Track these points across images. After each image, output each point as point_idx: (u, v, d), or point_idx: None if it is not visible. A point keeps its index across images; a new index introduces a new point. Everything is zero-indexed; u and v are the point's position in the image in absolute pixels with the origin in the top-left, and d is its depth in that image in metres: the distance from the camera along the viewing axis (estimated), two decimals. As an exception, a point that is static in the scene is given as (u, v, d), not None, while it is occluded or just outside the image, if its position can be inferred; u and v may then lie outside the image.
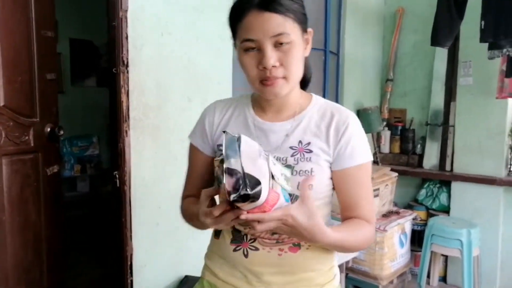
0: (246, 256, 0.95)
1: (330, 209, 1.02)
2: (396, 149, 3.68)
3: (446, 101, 3.35)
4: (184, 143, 2.18)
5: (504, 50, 2.49)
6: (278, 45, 0.86)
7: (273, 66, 0.86)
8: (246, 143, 0.77)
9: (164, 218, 2.11)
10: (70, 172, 4.28)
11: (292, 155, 0.93)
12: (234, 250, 0.96)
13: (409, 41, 3.64)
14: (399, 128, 3.67)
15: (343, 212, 0.98)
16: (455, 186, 3.27)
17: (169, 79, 2.08)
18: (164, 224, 2.12)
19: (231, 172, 0.72)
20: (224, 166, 0.72)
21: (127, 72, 1.90)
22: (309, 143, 0.94)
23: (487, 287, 3.12)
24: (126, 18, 1.87)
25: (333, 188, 0.98)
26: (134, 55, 1.93)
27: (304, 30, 0.91)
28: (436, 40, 2.77)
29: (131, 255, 1.99)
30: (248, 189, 0.70)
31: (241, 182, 0.70)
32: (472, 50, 3.13)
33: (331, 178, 0.96)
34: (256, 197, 0.70)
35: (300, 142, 0.95)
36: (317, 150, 0.93)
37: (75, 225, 3.87)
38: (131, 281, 1.99)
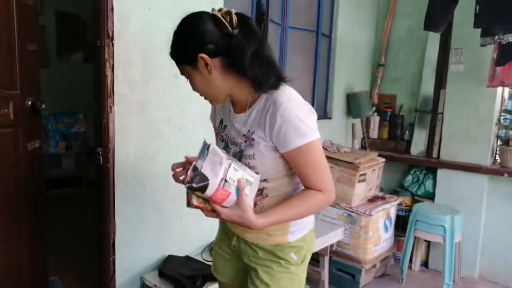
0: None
1: (291, 179, 1.22)
2: (385, 135, 3.68)
3: (436, 88, 3.35)
4: (171, 121, 2.16)
5: (496, 37, 2.47)
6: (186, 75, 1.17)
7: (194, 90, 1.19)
8: (213, 151, 1.06)
9: (149, 197, 2.09)
10: (55, 149, 4.20)
11: (244, 142, 1.18)
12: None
13: (402, 26, 3.60)
14: (388, 114, 3.67)
15: (301, 183, 1.19)
16: (441, 173, 3.30)
17: (156, 54, 2.02)
18: (148, 203, 2.09)
19: (194, 168, 1.03)
20: (193, 163, 1.06)
21: (112, 45, 1.83)
22: (253, 132, 1.16)
23: (468, 273, 3.18)
24: (112, -12, 1.79)
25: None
26: (120, 28, 1.86)
27: (193, 64, 1.12)
28: (429, 25, 2.74)
29: (114, 233, 1.96)
30: (194, 184, 1.02)
31: (195, 177, 1.02)
32: (465, 37, 3.11)
33: (283, 157, 1.16)
34: (201, 190, 1.03)
35: (249, 131, 1.17)
36: (258, 138, 1.15)
37: (60, 203, 3.83)
38: (113, 259, 1.97)
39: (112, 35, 1.83)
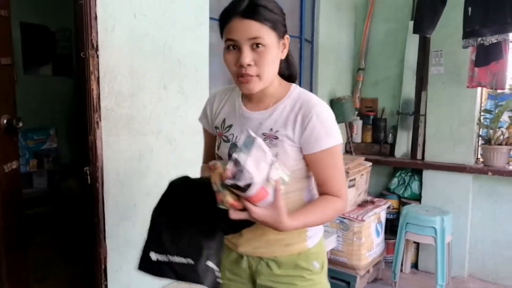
0: None
1: (308, 182, 1.18)
2: (368, 139, 3.69)
3: (417, 90, 3.39)
4: (161, 134, 2.04)
5: (479, 39, 2.51)
6: (254, 47, 1.02)
7: (248, 65, 1.02)
8: (259, 146, 0.94)
9: (141, 216, 1.95)
10: (26, 167, 3.94)
11: (263, 140, 1.07)
12: None
13: (381, 29, 3.63)
14: (371, 117, 3.68)
15: (318, 187, 1.16)
16: (426, 174, 3.33)
17: (144, 64, 1.91)
18: (140, 223, 1.96)
19: (237, 162, 0.90)
20: (233, 155, 0.91)
21: (97, 56, 1.71)
22: (277, 131, 1.10)
23: (457, 272, 3.21)
24: (95, -4, 1.68)
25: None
26: (104, 38, 1.74)
27: (281, 36, 1.07)
28: (419, 28, 2.77)
29: (105, 257, 1.82)
30: (239, 182, 0.89)
31: (239, 174, 0.89)
32: (443, 40, 3.16)
33: (304, 159, 1.13)
34: (244, 190, 0.91)
35: (271, 129, 1.11)
36: (282, 137, 1.09)
37: (34, 224, 3.59)
38: (106, 285, 1.83)
39: (97, 45, 1.70)
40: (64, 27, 4.12)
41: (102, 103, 1.76)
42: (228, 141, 1.17)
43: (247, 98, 1.18)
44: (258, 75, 1.04)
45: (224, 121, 1.21)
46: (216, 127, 1.23)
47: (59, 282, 2.64)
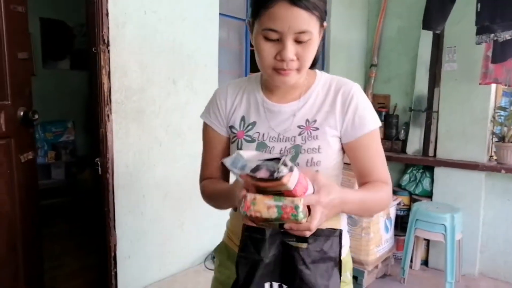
0: None
1: (340, 179, 1.06)
2: (380, 135, 3.67)
3: (430, 86, 3.35)
4: (170, 127, 2.09)
5: (492, 35, 2.48)
6: (298, 40, 0.88)
7: (290, 59, 0.88)
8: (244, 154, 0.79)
9: (149, 207, 2.02)
10: (44, 159, 4.08)
11: (299, 134, 0.97)
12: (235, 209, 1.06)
13: (394, 25, 3.60)
14: (383, 114, 3.65)
15: (360, 179, 1.01)
16: (438, 171, 3.30)
17: (153, 60, 1.96)
18: (149, 214, 2.03)
19: (257, 166, 0.73)
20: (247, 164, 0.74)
21: (108, 51, 1.77)
22: (315, 121, 0.98)
23: (468, 270, 3.18)
24: (106, -7, 1.73)
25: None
26: (116, 34, 1.80)
27: (322, 25, 0.92)
28: (428, 24, 2.74)
29: (115, 245, 1.90)
30: (277, 173, 0.70)
31: (270, 167, 0.72)
32: (457, 36, 3.12)
33: (342, 150, 1.00)
34: (283, 179, 0.71)
35: (307, 120, 0.98)
36: (323, 127, 0.97)
37: (51, 214, 3.72)
38: (115, 272, 1.90)
39: (108, 41, 1.76)
40: (82, 23, 4.22)
41: (112, 97, 1.82)
42: (252, 141, 1.00)
43: (270, 90, 1.03)
44: (298, 69, 0.91)
45: (243, 118, 1.03)
46: (232, 127, 1.04)
47: (72, 271, 2.73)
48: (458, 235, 2.94)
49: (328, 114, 0.98)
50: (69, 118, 4.31)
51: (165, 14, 1.98)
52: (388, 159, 3.36)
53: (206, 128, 1.09)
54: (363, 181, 0.99)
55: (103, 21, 1.73)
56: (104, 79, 1.78)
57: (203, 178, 1.11)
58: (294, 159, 0.95)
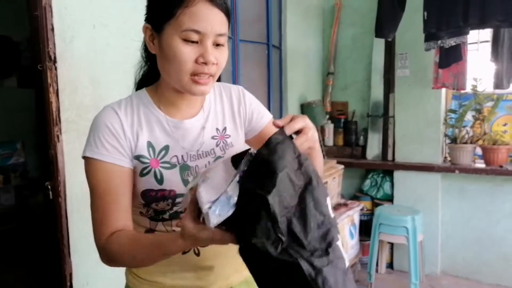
0: (198, 254, 0.94)
1: None
2: (340, 142, 3.73)
3: (385, 92, 3.45)
4: (126, 145, 2.00)
5: (439, 41, 2.58)
6: (216, 43, 0.84)
7: (212, 63, 0.84)
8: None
9: (107, 229, 1.91)
10: (-9, 183, 3.82)
11: (217, 145, 0.96)
12: (184, 253, 0.92)
13: (348, 34, 3.69)
14: (342, 120, 3.72)
15: None
16: (397, 174, 3.39)
17: (106, 75, 1.87)
18: (107, 237, 1.92)
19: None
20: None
21: (55, 68, 1.67)
22: (225, 128, 0.98)
23: (430, 269, 3.27)
24: (50, 7, 1.64)
25: None
26: (63, 49, 1.70)
27: (228, 23, 0.89)
28: (380, 32, 2.83)
29: (71, 274, 1.77)
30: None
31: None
32: (408, 43, 3.25)
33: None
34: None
35: (217, 129, 0.97)
36: (232, 132, 0.99)
37: (0, 242, 3.47)
38: (72, 303, 1.78)
39: (55, 57, 1.66)
40: (28, 37, 4.03)
41: (62, 116, 1.71)
42: (172, 166, 0.90)
43: (171, 104, 0.93)
44: (214, 75, 0.86)
45: (150, 144, 0.90)
46: (140, 156, 0.88)
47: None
48: (420, 236, 3.02)
49: (232, 118, 1.00)
50: (18, 139, 4.06)
51: (116, 27, 1.91)
52: (349, 165, 3.46)
53: (99, 168, 0.85)
54: None
55: (48, 37, 1.63)
56: (52, 98, 1.67)
57: (107, 234, 0.84)
58: None
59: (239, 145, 0.99)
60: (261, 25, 3.06)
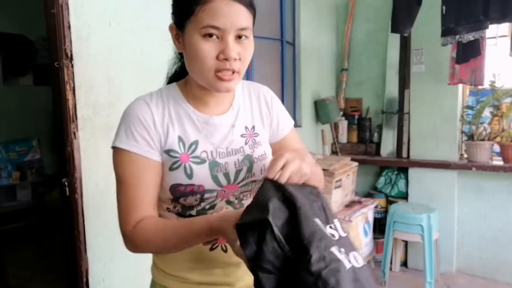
0: (225, 251, 0.95)
1: None
2: (354, 139, 3.70)
3: (400, 89, 3.40)
4: (141, 143, 2.01)
5: (457, 36, 2.54)
6: (238, 38, 0.83)
7: (234, 59, 0.82)
8: None
9: (123, 226, 1.93)
10: (8, 180, 3.88)
11: (246, 143, 0.95)
12: (211, 249, 0.94)
13: (362, 30, 3.65)
14: (356, 117, 3.69)
15: None
16: (412, 172, 3.34)
17: (121, 73, 1.88)
18: (122, 233, 1.93)
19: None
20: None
21: (72, 66, 1.68)
22: (253, 127, 0.98)
23: (446, 268, 3.23)
24: (67, 4, 1.65)
25: None
26: (79, 47, 1.72)
27: (253, 24, 0.88)
28: (396, 27, 2.79)
29: (87, 270, 1.79)
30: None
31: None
32: (423, 38, 3.19)
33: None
34: None
35: (246, 128, 0.97)
36: (261, 131, 0.99)
37: (17, 238, 3.54)
38: (89, 298, 1.80)
39: (71, 55, 1.68)
40: (44, 36, 4.07)
41: (79, 113, 1.73)
42: (202, 161, 0.89)
43: (200, 101, 0.93)
44: (238, 72, 0.85)
45: (180, 139, 0.90)
46: (171, 150, 0.88)
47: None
48: (435, 234, 2.97)
49: (260, 118, 1.00)
50: (34, 136, 4.13)
51: (130, 25, 1.91)
52: (363, 162, 3.43)
53: (128, 158, 0.86)
54: None
55: (65, 34, 1.65)
56: (69, 95, 1.69)
57: (134, 221, 0.86)
58: (249, 170, 0.93)
59: (266, 145, 0.99)
60: (275, 21, 3.04)
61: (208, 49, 0.81)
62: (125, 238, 0.88)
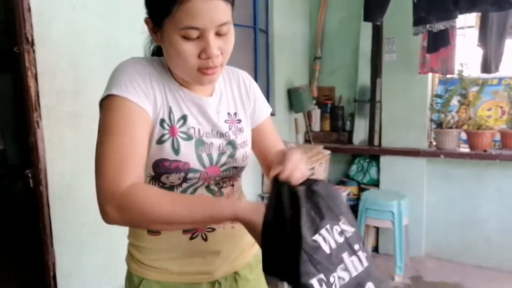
0: (205, 239, 0.94)
1: None
2: (327, 127, 3.72)
3: (372, 77, 3.44)
4: (109, 132, 1.94)
5: (428, 25, 2.57)
6: (219, 33, 0.81)
7: (216, 56, 0.82)
8: None
9: (91, 217, 1.87)
10: (-31, 172, 3.70)
11: (230, 129, 0.95)
12: (191, 238, 0.93)
13: (335, 18, 3.65)
14: (329, 106, 3.70)
15: (267, 156, 1.02)
16: (383, 160, 3.40)
17: (87, 59, 1.80)
18: (92, 225, 1.87)
19: None
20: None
21: (33, 51, 1.59)
22: (235, 113, 0.97)
23: (415, 252, 3.32)
24: (27, -14, 1.55)
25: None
26: (41, 31, 1.63)
27: (233, 9, 0.84)
28: (368, 16, 2.79)
29: (54, 263, 1.73)
30: None
31: None
32: (395, 27, 3.22)
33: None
34: None
35: (229, 114, 0.96)
36: (243, 117, 0.98)
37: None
38: (56, 293, 1.74)
39: (32, 39, 1.59)
40: (3, 19, 3.88)
41: (42, 102, 1.65)
42: (189, 138, 0.87)
43: (183, 84, 0.91)
44: (221, 64, 0.84)
45: (171, 110, 0.87)
46: (164, 120, 0.85)
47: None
48: (405, 220, 3.05)
49: (241, 103, 0.99)
50: (-4, 126, 3.94)
51: (96, 8, 1.83)
52: (336, 150, 3.45)
53: (124, 104, 0.79)
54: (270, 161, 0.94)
55: (25, 18, 1.55)
56: (31, 82, 1.60)
57: (128, 180, 0.74)
58: (232, 155, 0.93)
59: (248, 132, 1.00)
60: (248, 8, 2.99)
61: (189, 49, 0.79)
62: (112, 198, 0.73)
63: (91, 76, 1.83)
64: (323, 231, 0.71)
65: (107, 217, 0.74)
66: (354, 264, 0.72)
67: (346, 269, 0.71)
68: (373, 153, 3.45)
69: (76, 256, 1.84)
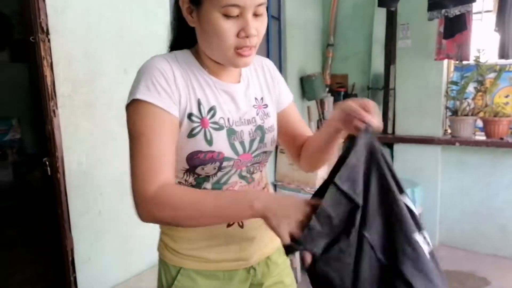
0: (242, 226, 0.96)
1: None
2: (340, 115, 3.68)
3: (386, 64, 3.39)
4: (124, 120, 1.96)
5: (443, 10, 2.51)
6: (256, 14, 0.82)
7: (253, 35, 0.82)
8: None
9: (107, 205, 1.91)
10: (-12, 160, 3.80)
11: (257, 114, 0.96)
12: (228, 225, 0.94)
13: (349, 3, 3.59)
14: (342, 93, 3.66)
15: (296, 140, 1.06)
16: (397, 147, 3.37)
17: (101, 48, 1.82)
18: (107, 212, 1.91)
19: None
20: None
21: (49, 40, 1.61)
22: (262, 98, 0.98)
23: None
24: (41, -25, 1.57)
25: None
26: (55, 21, 1.65)
27: None
28: (383, 1, 2.74)
29: (72, 249, 1.77)
30: None
31: None
32: (410, 13, 3.16)
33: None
34: None
35: (256, 99, 0.97)
36: (269, 102, 0.99)
37: (0, 219, 3.48)
38: (75, 277, 1.78)
39: (47, 29, 1.61)
40: (19, 11, 3.91)
41: (58, 90, 1.67)
42: (220, 128, 0.88)
43: (212, 72, 0.91)
44: (255, 46, 0.85)
45: (199, 102, 0.87)
46: (191, 114, 0.86)
47: (26, 278, 2.57)
48: (419, 208, 3.03)
49: (267, 89, 1.01)
50: (13, 115, 4.01)
51: (109, -3, 1.84)
52: (349, 138, 3.43)
53: (150, 111, 0.81)
54: (300, 140, 1.05)
55: (39, 7, 1.57)
56: (47, 71, 1.62)
57: (159, 181, 0.78)
58: (261, 140, 0.95)
59: (274, 116, 1.01)
60: (260, -5, 2.96)
61: (229, 27, 0.80)
62: (145, 200, 0.78)
63: (104, 65, 1.85)
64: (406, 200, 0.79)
65: (141, 218, 0.80)
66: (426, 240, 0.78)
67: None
68: (386, 141, 3.42)
69: (94, 242, 1.88)
